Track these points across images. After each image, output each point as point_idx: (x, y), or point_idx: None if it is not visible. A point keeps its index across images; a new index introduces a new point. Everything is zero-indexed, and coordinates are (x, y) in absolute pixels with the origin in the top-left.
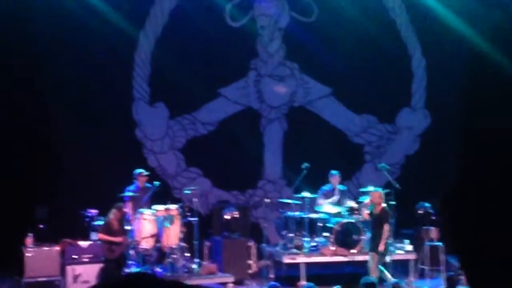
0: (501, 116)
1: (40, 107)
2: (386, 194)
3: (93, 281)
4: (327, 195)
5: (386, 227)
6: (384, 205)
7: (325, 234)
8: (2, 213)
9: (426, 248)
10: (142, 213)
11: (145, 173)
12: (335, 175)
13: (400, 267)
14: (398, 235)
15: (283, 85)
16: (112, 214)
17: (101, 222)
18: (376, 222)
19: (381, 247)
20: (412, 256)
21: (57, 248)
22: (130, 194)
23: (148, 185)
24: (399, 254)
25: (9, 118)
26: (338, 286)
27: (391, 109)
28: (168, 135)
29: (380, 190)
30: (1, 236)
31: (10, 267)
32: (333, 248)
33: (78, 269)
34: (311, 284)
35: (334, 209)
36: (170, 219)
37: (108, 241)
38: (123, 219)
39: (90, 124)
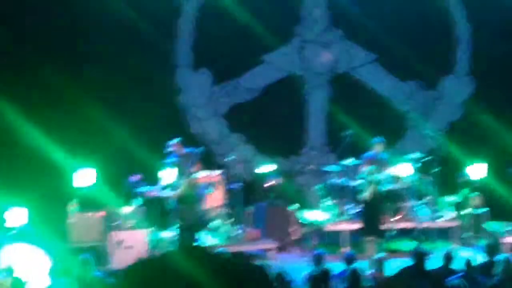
0: None
1: (79, 73)
2: (431, 161)
3: (136, 246)
4: (371, 162)
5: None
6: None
7: None
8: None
9: (469, 215)
10: (184, 180)
11: (176, 141)
12: (378, 143)
13: (443, 235)
14: (441, 203)
15: (327, 52)
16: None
17: (144, 189)
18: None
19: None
20: (454, 223)
21: (101, 214)
22: (173, 160)
23: (189, 150)
24: (442, 222)
25: None
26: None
27: (435, 75)
28: (211, 101)
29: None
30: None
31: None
32: None
33: (122, 234)
34: (353, 252)
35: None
36: (213, 185)
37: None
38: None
39: (133, 90)
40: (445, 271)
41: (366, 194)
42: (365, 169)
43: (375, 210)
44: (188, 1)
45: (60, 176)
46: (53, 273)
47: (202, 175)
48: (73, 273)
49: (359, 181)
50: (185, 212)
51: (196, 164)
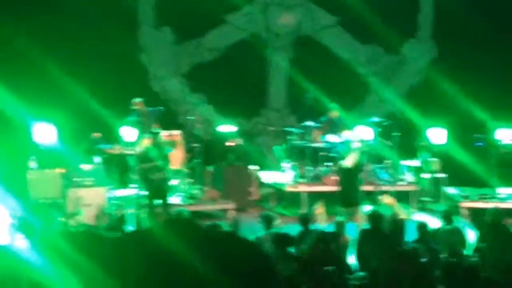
0: None
1: (38, 28)
2: (391, 125)
3: (95, 204)
4: (328, 126)
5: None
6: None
7: (327, 163)
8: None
9: (428, 179)
10: (144, 138)
11: (139, 100)
12: (335, 108)
13: (402, 198)
14: (399, 167)
15: (290, 14)
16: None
17: (104, 146)
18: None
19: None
20: (413, 188)
21: (60, 171)
22: (135, 118)
23: (150, 109)
24: (401, 185)
25: None
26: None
27: (397, 39)
28: (173, 60)
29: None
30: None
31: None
32: (335, 178)
33: (81, 192)
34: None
35: (337, 139)
36: (173, 144)
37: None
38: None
39: (96, 47)
40: (401, 234)
41: (348, 162)
42: (353, 137)
43: (354, 179)
44: None
45: (19, 132)
46: (13, 229)
47: (163, 134)
48: (34, 230)
49: (321, 144)
50: (146, 171)
51: (156, 123)
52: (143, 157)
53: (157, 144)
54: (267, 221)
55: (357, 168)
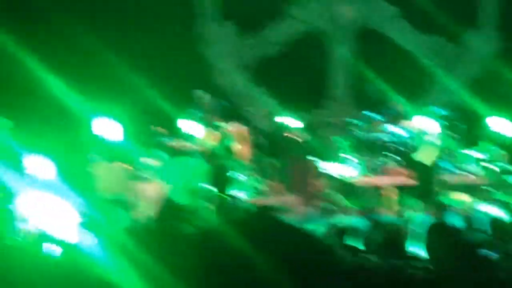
0: None
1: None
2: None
3: (158, 198)
4: (392, 117)
5: None
6: None
7: (391, 155)
8: None
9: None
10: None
11: (202, 92)
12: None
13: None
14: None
15: (352, 5)
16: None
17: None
18: None
19: None
20: (479, 180)
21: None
22: (196, 113)
23: (213, 103)
24: (467, 177)
25: None
26: None
27: (459, 29)
28: (235, 53)
29: None
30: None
31: None
32: (399, 169)
33: (144, 186)
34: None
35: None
36: (237, 138)
37: None
38: None
39: (155, 41)
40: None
41: (423, 155)
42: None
43: (430, 172)
44: None
45: (82, 127)
46: (81, 227)
47: (226, 127)
48: (102, 228)
49: (385, 136)
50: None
51: (219, 117)
52: (210, 152)
53: (222, 139)
54: (328, 214)
55: (432, 162)
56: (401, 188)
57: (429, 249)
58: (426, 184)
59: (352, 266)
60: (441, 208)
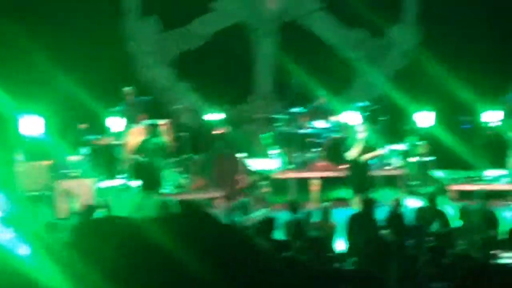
0: None
1: (25, 19)
2: (378, 109)
3: (83, 195)
4: (315, 112)
5: None
6: None
7: (314, 149)
8: None
9: (415, 163)
10: (132, 128)
11: (128, 89)
12: (322, 95)
13: (390, 182)
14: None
15: None
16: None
17: (91, 137)
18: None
19: None
20: (400, 172)
21: (47, 163)
22: (121, 109)
23: (138, 98)
24: (388, 170)
25: None
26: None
27: (383, 23)
28: (159, 48)
29: None
30: None
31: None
32: (323, 163)
33: (68, 183)
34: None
35: (324, 125)
36: (161, 133)
37: None
38: None
39: (81, 38)
40: (393, 218)
41: (354, 152)
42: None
43: (363, 168)
44: None
45: (6, 124)
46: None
47: (151, 123)
48: (23, 223)
49: (309, 130)
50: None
51: (143, 113)
52: (135, 148)
53: (147, 135)
54: (244, 208)
55: (358, 155)
56: (326, 182)
57: (350, 241)
58: (352, 178)
59: (277, 260)
60: (367, 201)
